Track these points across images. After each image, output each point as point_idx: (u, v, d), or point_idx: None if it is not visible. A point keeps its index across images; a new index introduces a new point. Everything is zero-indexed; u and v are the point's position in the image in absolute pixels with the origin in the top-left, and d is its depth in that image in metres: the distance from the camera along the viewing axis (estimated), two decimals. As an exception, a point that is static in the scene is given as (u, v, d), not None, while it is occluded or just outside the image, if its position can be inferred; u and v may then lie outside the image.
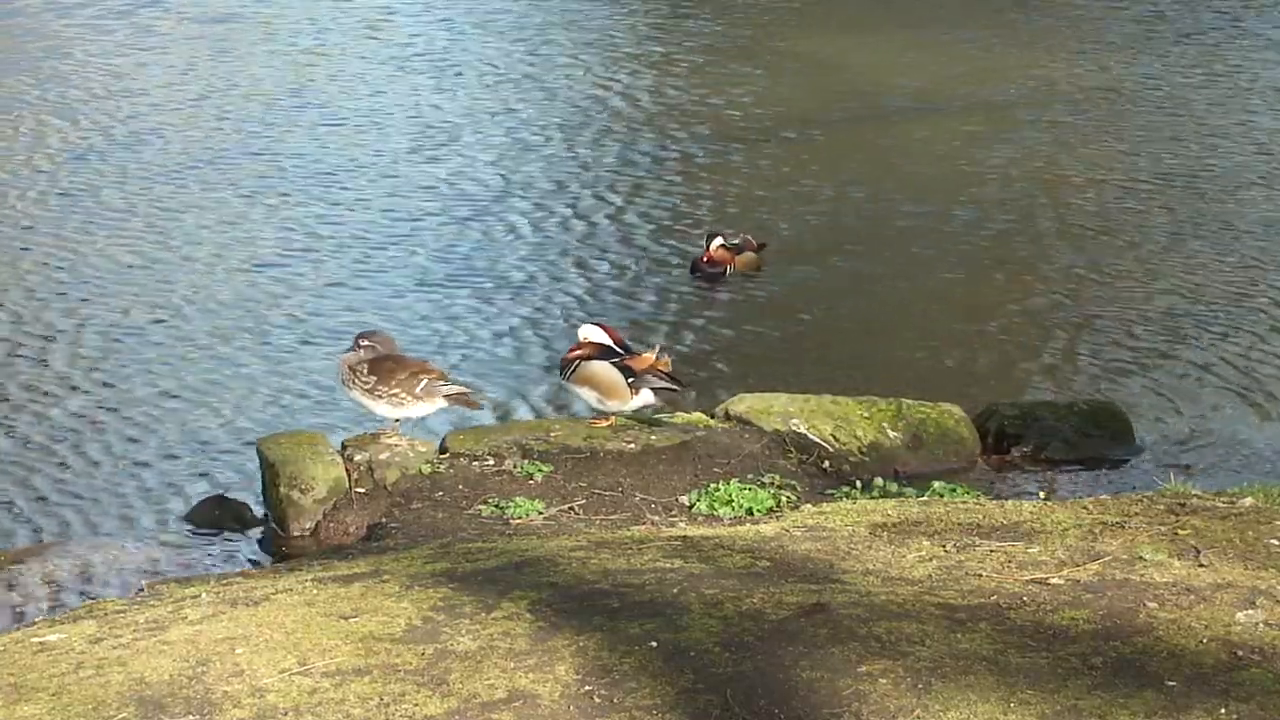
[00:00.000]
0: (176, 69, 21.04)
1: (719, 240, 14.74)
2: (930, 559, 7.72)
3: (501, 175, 17.37)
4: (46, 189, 16.94)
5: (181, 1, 23.85)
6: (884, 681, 6.49)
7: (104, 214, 16.26)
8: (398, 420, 10.65)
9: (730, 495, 9.90)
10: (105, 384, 12.76)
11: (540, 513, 9.79)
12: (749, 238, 14.94)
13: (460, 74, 20.77)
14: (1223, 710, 6.31)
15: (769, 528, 8.49)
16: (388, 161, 17.71)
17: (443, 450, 10.61)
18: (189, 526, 10.57)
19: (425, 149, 18.07)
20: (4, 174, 17.37)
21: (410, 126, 18.78)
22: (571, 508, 9.88)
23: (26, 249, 15.47)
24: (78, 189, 16.92)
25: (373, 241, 15.58)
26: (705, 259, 14.71)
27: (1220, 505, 8.30)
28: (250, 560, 10.10)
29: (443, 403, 10.66)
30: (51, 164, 17.63)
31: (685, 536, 8.29)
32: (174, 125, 18.84)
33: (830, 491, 10.26)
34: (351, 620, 7.17)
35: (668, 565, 7.64)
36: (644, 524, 9.45)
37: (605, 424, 10.83)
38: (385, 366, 10.54)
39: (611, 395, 10.75)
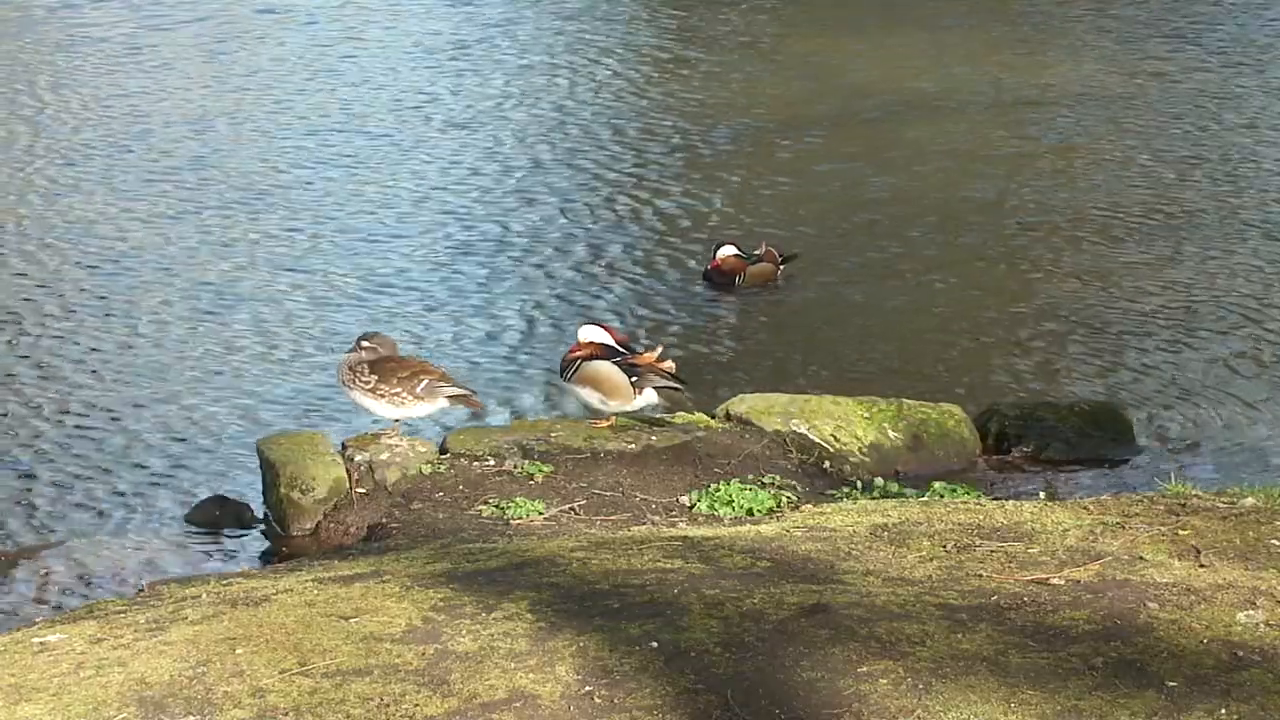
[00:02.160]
0: (200, 64, 21.09)
1: (728, 249, 14.53)
2: (931, 559, 7.72)
3: (505, 175, 17.37)
4: (44, 183, 16.95)
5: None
6: (884, 682, 6.49)
7: (107, 212, 16.26)
8: (398, 420, 10.66)
9: (731, 496, 9.90)
10: (105, 384, 12.76)
11: (540, 513, 9.79)
12: (771, 249, 14.63)
13: (473, 71, 20.80)
14: (1223, 711, 6.32)
15: (769, 528, 8.49)
16: (391, 161, 17.71)
17: (443, 451, 10.61)
18: (189, 526, 10.57)
19: (427, 149, 18.07)
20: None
21: (416, 126, 18.78)
22: (572, 508, 9.88)
23: (25, 245, 15.49)
24: (79, 183, 16.93)
25: (375, 242, 15.58)
26: (712, 267, 14.61)
27: (1221, 505, 8.30)
28: (250, 560, 10.10)
29: (444, 403, 10.67)
30: (61, 158, 17.63)
31: (686, 537, 8.29)
32: (180, 122, 18.85)
33: (831, 492, 10.26)
34: (352, 620, 7.17)
35: (668, 566, 7.64)
36: (644, 524, 9.45)
37: (605, 424, 10.83)
38: (386, 366, 10.55)
39: (614, 395, 10.74)
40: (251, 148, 18.14)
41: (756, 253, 14.58)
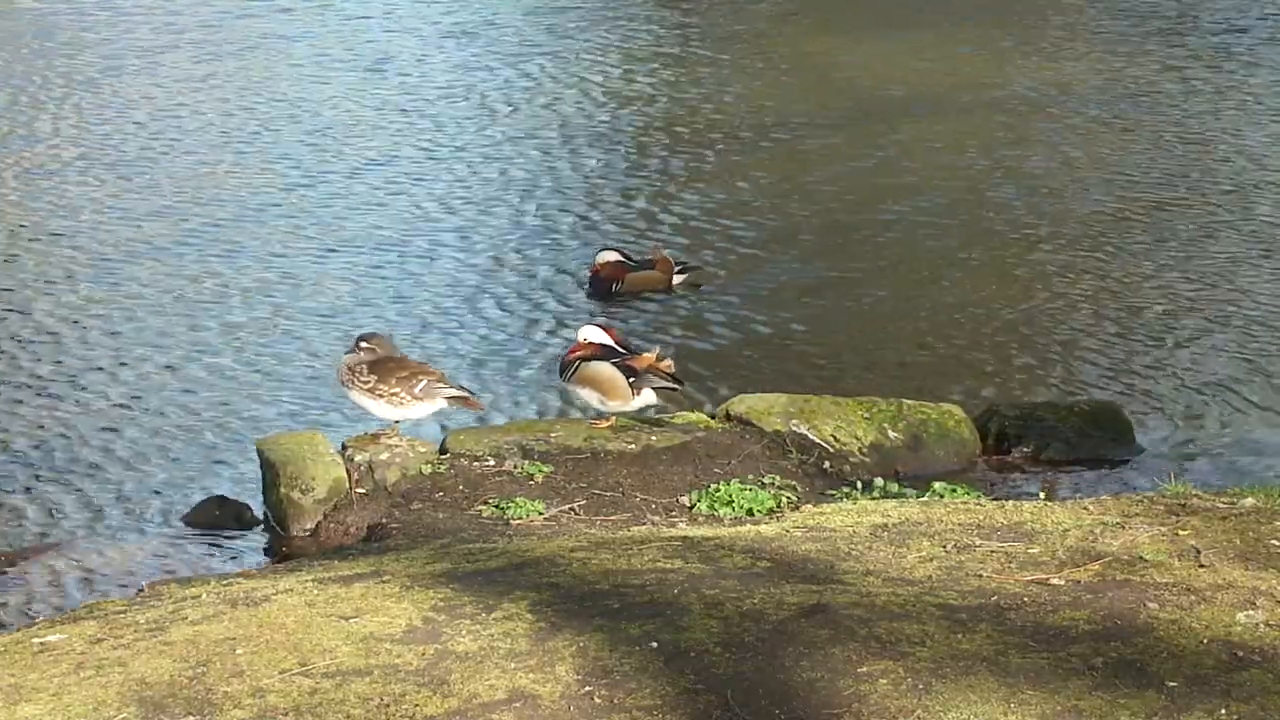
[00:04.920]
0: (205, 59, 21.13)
1: (608, 254, 14.34)
2: (931, 559, 7.73)
3: (502, 177, 17.37)
4: (47, 180, 16.96)
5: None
6: (884, 682, 6.49)
7: (109, 213, 16.26)
8: (397, 420, 10.67)
9: (731, 496, 9.90)
10: (105, 384, 12.76)
11: (540, 513, 9.79)
12: (667, 257, 14.43)
13: (472, 70, 20.85)
14: (1223, 711, 6.32)
15: (769, 528, 8.50)
16: (387, 164, 17.72)
17: (443, 451, 10.61)
18: (189, 526, 10.57)
19: (427, 150, 18.08)
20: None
21: (413, 128, 18.79)
22: (572, 508, 9.88)
23: (23, 249, 15.49)
24: (85, 184, 16.94)
25: (373, 243, 15.58)
26: (592, 273, 14.41)
27: (1220, 505, 8.30)
28: (250, 560, 10.10)
29: (443, 403, 10.69)
30: (59, 162, 17.66)
31: (686, 537, 8.29)
32: (194, 121, 18.88)
33: (831, 492, 10.26)
34: (352, 621, 7.17)
35: (668, 566, 7.64)
36: (644, 524, 9.45)
37: (605, 425, 10.83)
38: (386, 367, 10.57)
39: (613, 395, 10.74)
40: (249, 151, 18.15)
41: (648, 258, 14.43)
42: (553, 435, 10.74)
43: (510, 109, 19.42)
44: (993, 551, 7.78)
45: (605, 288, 14.30)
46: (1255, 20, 22.46)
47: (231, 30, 22.74)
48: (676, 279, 14.42)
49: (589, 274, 14.46)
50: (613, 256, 14.37)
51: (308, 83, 20.42)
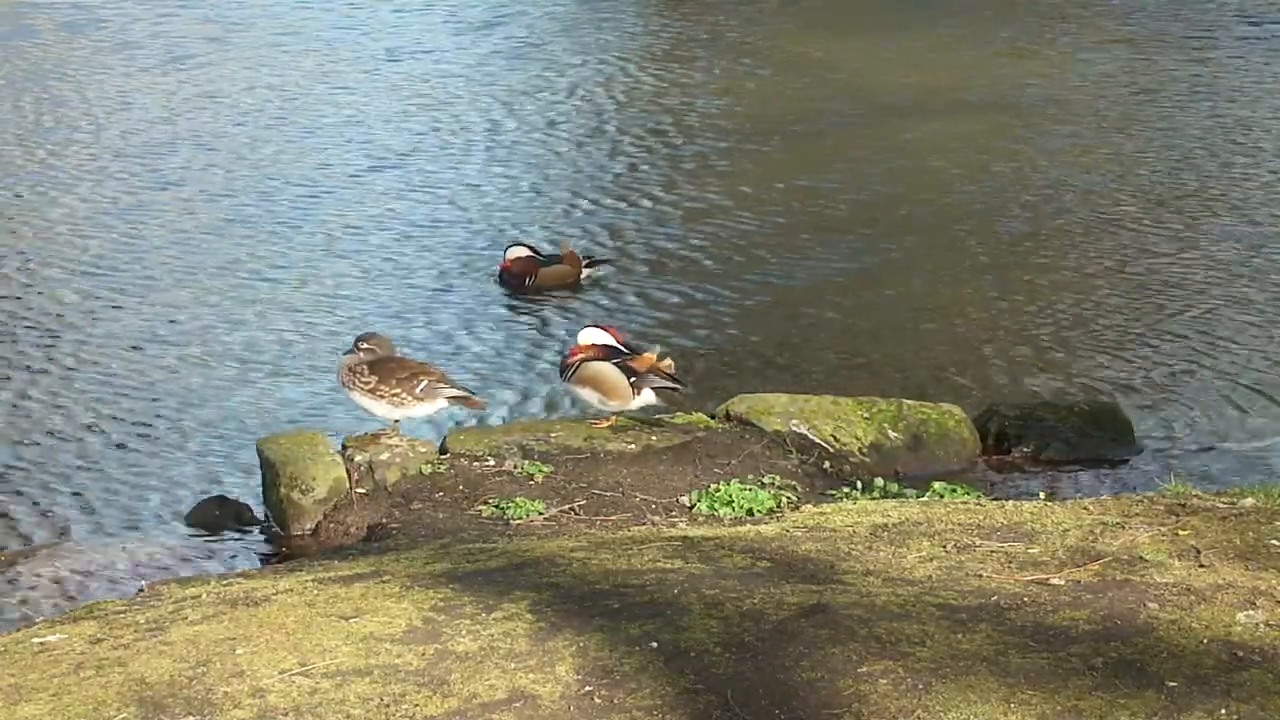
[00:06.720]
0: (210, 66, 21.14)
1: (519, 249, 14.37)
2: (931, 559, 7.73)
3: (501, 177, 17.38)
4: (50, 187, 16.97)
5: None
6: (884, 682, 6.49)
7: (108, 216, 16.26)
8: (397, 420, 10.67)
9: (731, 496, 9.90)
10: (104, 384, 12.76)
11: (541, 513, 9.79)
12: (573, 250, 14.49)
13: (471, 71, 20.87)
14: (1223, 711, 6.32)
15: (769, 528, 8.50)
16: (384, 165, 17.72)
17: (443, 451, 10.62)
18: (189, 526, 10.57)
19: (427, 150, 18.09)
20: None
21: (411, 131, 18.80)
22: (572, 508, 9.88)
23: (26, 246, 15.49)
24: (92, 179, 16.95)
25: (371, 243, 15.58)
26: (503, 268, 14.43)
27: (1221, 505, 8.30)
28: (250, 560, 10.10)
29: (444, 403, 10.69)
30: (53, 163, 17.67)
31: (686, 537, 8.29)
32: (178, 131, 18.89)
33: (831, 492, 10.26)
34: (352, 621, 7.18)
35: (668, 566, 7.65)
36: (644, 524, 9.45)
37: (606, 425, 10.83)
38: (386, 367, 10.57)
39: (614, 396, 10.75)
40: (249, 152, 18.17)
41: (556, 253, 14.45)
42: (553, 435, 10.74)
43: (522, 105, 19.44)
44: (993, 551, 7.79)
45: (518, 283, 14.32)
46: (1259, 20, 22.46)
47: (265, 26, 22.82)
48: (585, 272, 14.47)
49: (499, 269, 14.46)
50: (523, 252, 14.40)
51: (318, 77, 20.44)
